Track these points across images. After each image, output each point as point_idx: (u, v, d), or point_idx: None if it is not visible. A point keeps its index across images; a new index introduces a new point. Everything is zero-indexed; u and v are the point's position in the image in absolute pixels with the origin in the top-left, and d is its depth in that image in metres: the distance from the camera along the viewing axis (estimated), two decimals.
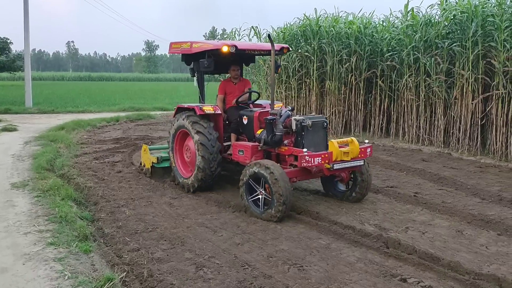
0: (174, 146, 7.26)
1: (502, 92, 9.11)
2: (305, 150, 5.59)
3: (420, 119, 11.23)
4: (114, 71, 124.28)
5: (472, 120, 9.87)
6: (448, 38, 10.26)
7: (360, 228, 5.23)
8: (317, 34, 12.74)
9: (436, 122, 10.83)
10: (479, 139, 9.76)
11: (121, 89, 42.17)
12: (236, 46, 6.38)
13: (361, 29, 12.28)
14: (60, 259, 4.31)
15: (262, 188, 5.59)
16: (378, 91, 12.47)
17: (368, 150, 6.01)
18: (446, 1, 10.73)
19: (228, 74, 7.65)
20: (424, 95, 11.02)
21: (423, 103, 11.10)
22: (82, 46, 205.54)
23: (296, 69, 13.46)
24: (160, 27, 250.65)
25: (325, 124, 6.10)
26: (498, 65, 9.01)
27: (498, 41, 8.98)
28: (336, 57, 12.51)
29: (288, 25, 14.25)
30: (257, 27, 14.56)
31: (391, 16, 12.54)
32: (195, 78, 7.86)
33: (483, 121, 9.83)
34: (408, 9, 11.55)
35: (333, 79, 12.76)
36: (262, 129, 6.26)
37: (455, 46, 9.88)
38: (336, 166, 5.67)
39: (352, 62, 12.39)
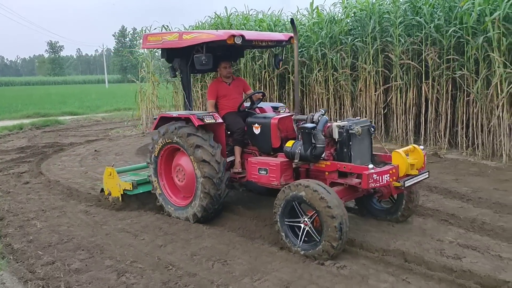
0: (158, 168, 5.80)
1: (400, 83, 9.95)
2: (371, 166, 4.40)
3: (330, 111, 11.88)
4: (14, 75, 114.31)
5: (376, 110, 10.66)
6: (351, 34, 10.94)
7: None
8: None
9: (345, 113, 11.52)
10: (382, 127, 10.57)
11: (24, 94, 39.06)
12: (243, 36, 5.09)
13: (271, 26, 12.64)
14: None
15: (310, 219, 4.33)
16: (291, 85, 12.96)
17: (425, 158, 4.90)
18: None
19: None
20: (333, 88, 11.65)
21: (332, 96, 11.74)
22: None
23: None
24: (64, 27, 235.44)
25: (372, 129, 4.94)
26: (395, 59, 9.82)
27: (394, 36, 9.78)
28: (249, 54, 12.76)
29: (200, 23, 14.23)
30: (167, 25, 14.35)
31: (298, 13, 13.07)
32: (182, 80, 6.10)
33: (385, 111, 10.66)
34: (314, 7, 12.11)
35: (247, 76, 13.00)
36: (295, 141, 4.96)
37: (357, 41, 10.57)
38: (407, 183, 4.49)
39: (264, 59, 12.72)
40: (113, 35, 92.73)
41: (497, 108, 8.08)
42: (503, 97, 7.88)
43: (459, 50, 9.05)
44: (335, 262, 4.16)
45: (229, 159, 5.58)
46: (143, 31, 15.40)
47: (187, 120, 5.40)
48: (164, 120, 5.70)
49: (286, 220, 4.45)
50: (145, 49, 15.37)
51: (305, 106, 12.85)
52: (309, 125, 4.69)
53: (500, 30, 7.77)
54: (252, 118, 5.62)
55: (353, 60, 10.92)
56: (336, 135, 4.73)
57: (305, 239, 4.37)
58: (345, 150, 4.72)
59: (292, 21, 5.06)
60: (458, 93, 9.16)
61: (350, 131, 4.65)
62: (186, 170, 5.48)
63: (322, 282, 3.82)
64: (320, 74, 11.78)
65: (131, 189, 6.04)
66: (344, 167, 4.61)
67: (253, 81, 13.08)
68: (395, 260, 4.21)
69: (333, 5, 11.63)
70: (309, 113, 5.43)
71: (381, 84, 10.43)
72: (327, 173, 4.78)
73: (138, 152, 10.77)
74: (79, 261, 4.46)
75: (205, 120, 5.27)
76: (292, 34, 5.57)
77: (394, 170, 4.44)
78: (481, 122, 8.58)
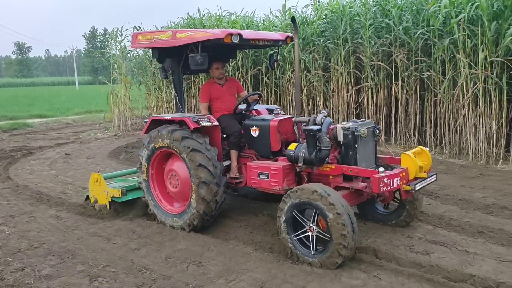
0: (149, 174, 5.51)
1: (371, 84, 10.16)
2: (381, 169, 4.24)
3: (304, 112, 12.00)
4: None
5: (348, 110, 10.84)
6: (323, 36, 11.10)
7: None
8: None
9: (318, 113, 11.68)
10: None
11: None
12: (241, 35, 4.88)
13: (244, 28, 12.68)
14: None
15: (313, 222, 4.16)
16: (265, 87, 13.03)
17: None
18: (318, 1, 11.62)
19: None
20: (306, 89, 11.79)
21: (305, 97, 11.86)
22: None
23: None
24: (32, 28, 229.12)
25: (377, 131, 4.80)
26: (366, 60, 10.02)
27: (364, 38, 9.97)
28: None
29: (173, 24, 14.14)
30: (140, 26, 14.19)
31: (271, 15, 13.17)
32: (173, 81, 5.82)
33: (357, 111, 10.85)
34: (286, 9, 12.23)
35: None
36: (297, 144, 4.74)
37: (329, 43, 10.73)
38: (418, 186, 4.34)
39: (238, 60, 12.74)
40: (83, 36, 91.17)
41: (463, 108, 8.36)
42: (469, 97, 8.16)
43: (426, 52, 9.30)
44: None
45: (224, 163, 5.36)
46: (114, 33, 15.18)
47: (181, 123, 5.14)
48: (155, 123, 5.42)
49: (294, 235, 4.23)
50: (117, 50, 15.18)
51: (279, 106, 12.94)
52: (314, 127, 4.51)
53: (465, 32, 8.04)
54: (249, 120, 5.42)
55: (326, 62, 11.07)
56: (341, 138, 4.56)
57: (317, 248, 4.16)
58: (350, 152, 4.55)
59: (293, 19, 4.88)
60: (426, 94, 9.43)
61: (356, 133, 4.50)
62: (180, 175, 5.21)
63: (296, 280, 3.87)
64: (293, 75, 11.90)
65: (120, 196, 5.72)
66: (351, 170, 4.44)
67: None
68: (367, 257, 4.30)
69: (305, 7, 11.80)
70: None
71: (353, 85, 10.62)
72: (331, 177, 4.62)
73: (110, 155, 10.61)
74: (49, 266, 4.37)
75: (201, 123, 5.02)
76: (289, 34, 5.51)
77: (404, 173, 4.31)
78: (448, 122, 8.85)
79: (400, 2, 9.65)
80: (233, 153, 5.39)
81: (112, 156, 10.44)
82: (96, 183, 5.93)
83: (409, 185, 4.29)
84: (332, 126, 4.66)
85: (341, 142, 4.59)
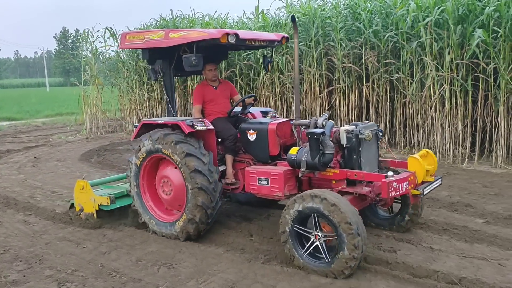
0: (140, 180, 5.24)
1: (342, 86, 10.33)
2: (390, 173, 4.12)
3: (278, 112, 12.09)
4: None
5: (321, 111, 10.98)
6: None
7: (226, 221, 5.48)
8: None
9: (291, 115, 11.78)
10: None
11: None
12: (237, 35, 4.71)
13: (217, 28, 12.68)
14: None
15: (317, 229, 3.99)
16: (238, 89, 13.05)
17: None
18: (291, 4, 11.74)
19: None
20: (279, 91, 11.89)
21: (279, 99, 11.95)
22: None
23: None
24: (0, 29, 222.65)
25: (380, 134, 4.65)
26: (338, 62, 10.18)
27: (336, 41, 10.14)
28: None
29: (145, 26, 14.02)
30: (111, 28, 14.02)
31: (245, 17, 13.22)
32: (164, 84, 5.50)
33: (330, 112, 11.01)
34: (259, 11, 12.30)
35: (194, 79, 12.96)
36: (299, 148, 4.57)
37: (301, 45, 10.85)
38: (426, 191, 4.24)
39: None
40: (54, 37, 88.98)
41: (431, 109, 8.60)
42: (436, 98, 8.41)
43: (395, 54, 9.53)
44: (280, 260, 4.28)
45: (219, 168, 5.13)
46: (86, 34, 14.94)
47: (174, 127, 4.94)
48: (146, 128, 5.16)
49: (296, 225, 4.04)
50: (88, 52, 14.95)
51: (274, 109, 13.00)
52: (318, 130, 4.34)
53: (432, 35, 8.28)
54: (246, 124, 5.21)
55: (298, 64, 11.17)
56: (344, 141, 4.38)
57: (311, 251, 4.04)
58: (354, 156, 4.38)
59: (293, 18, 4.74)
60: (395, 95, 9.65)
61: (360, 136, 4.34)
62: (173, 182, 4.96)
63: (266, 280, 3.92)
64: (266, 77, 11.98)
65: (109, 204, 5.39)
66: (355, 175, 4.29)
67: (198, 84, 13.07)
68: None
69: (278, 10, 11.89)
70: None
71: (325, 86, 10.76)
72: (334, 181, 4.45)
73: (82, 158, 10.43)
74: (16, 272, 4.28)
75: (196, 126, 4.81)
76: (284, 35, 5.41)
77: (412, 177, 4.16)
78: (416, 122, 9.09)
79: (370, 6, 9.85)
80: (229, 158, 5.19)
81: (84, 159, 10.26)
82: (82, 191, 5.56)
83: (417, 189, 4.16)
84: (334, 129, 4.54)
85: (344, 146, 4.41)
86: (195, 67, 4.65)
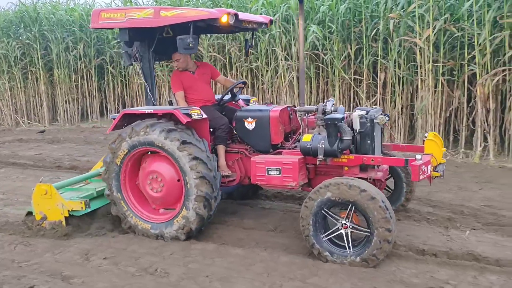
0: (121, 180, 4.64)
1: None
2: (418, 156, 3.96)
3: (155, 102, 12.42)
4: None
5: None
6: None
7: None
8: (37, 21, 12.30)
9: (163, 102, 12.21)
10: None
11: None
12: (237, 15, 4.34)
13: (83, 16, 12.49)
14: None
15: (348, 220, 3.87)
16: (110, 77, 13.05)
17: None
18: None
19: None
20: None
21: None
22: None
23: (19, 57, 12.70)
24: None
25: (387, 118, 4.35)
26: (204, 51, 10.87)
27: None
28: (62, 45, 12.41)
29: (3, 10, 13.15)
30: None
31: (113, 4, 13.15)
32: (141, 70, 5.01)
33: None
34: None
35: (62, 67, 12.64)
36: (313, 134, 4.27)
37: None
38: (443, 172, 4.22)
39: (79, 49, 12.52)
40: None
41: (283, 94, 9.78)
42: (286, 84, 9.59)
43: (254, 45, 10.52)
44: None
45: None
46: None
47: (161, 117, 4.50)
48: (130, 117, 4.62)
49: (323, 236, 3.93)
50: None
51: (125, 96, 13.13)
52: (337, 115, 4.13)
53: (280, 29, 9.39)
54: (242, 112, 4.86)
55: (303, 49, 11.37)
56: (357, 126, 4.19)
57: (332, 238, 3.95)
58: (368, 141, 4.23)
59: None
60: (256, 82, 10.68)
61: (374, 120, 4.21)
62: (165, 176, 4.50)
63: (119, 245, 4.43)
64: (138, 65, 12.16)
65: (83, 208, 4.71)
66: (372, 160, 4.12)
67: (69, 72, 12.80)
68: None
69: None
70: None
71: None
72: (346, 168, 4.28)
73: None
74: None
75: (193, 116, 4.41)
76: (271, 18, 5.21)
77: (433, 159, 4.13)
78: None
79: (230, 1, 10.66)
80: (221, 149, 4.79)
81: None
82: (45, 196, 4.76)
83: (437, 171, 4.16)
84: (346, 114, 4.35)
85: (357, 131, 4.23)
86: (191, 50, 4.30)
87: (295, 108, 5.01)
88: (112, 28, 5.29)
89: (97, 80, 13.14)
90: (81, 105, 13.31)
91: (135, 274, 3.86)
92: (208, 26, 4.46)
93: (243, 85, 5.33)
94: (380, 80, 8.50)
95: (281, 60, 9.55)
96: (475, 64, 7.29)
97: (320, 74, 9.48)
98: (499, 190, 5.51)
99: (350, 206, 3.79)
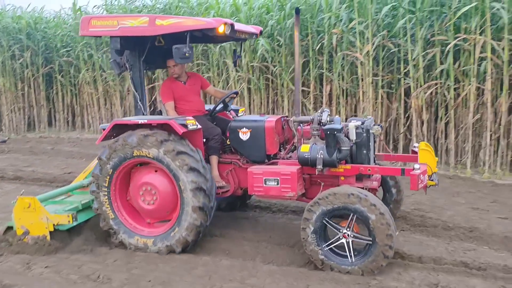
0: (111, 194, 4.51)
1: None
2: (416, 165, 4.00)
3: (101, 111, 12.30)
4: None
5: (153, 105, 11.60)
6: None
7: None
8: None
9: (115, 113, 12.12)
10: None
11: None
12: (233, 26, 4.32)
13: (31, 24, 12.23)
14: None
15: (349, 229, 3.89)
16: (59, 86, 12.80)
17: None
18: (111, 2, 12.03)
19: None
20: (102, 88, 12.10)
21: (102, 96, 12.18)
22: None
23: None
24: None
25: (380, 129, 4.45)
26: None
27: None
28: (8, 52, 12.09)
29: None
30: None
31: (63, 12, 13.00)
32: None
33: (152, 109, 11.70)
34: (77, 8, 12.25)
35: (7, 75, 12.29)
36: (311, 145, 4.27)
37: None
38: (437, 181, 4.34)
39: (26, 58, 12.22)
40: None
41: (235, 104, 10.00)
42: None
43: (206, 56, 10.71)
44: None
45: None
46: None
47: (153, 127, 4.39)
48: (121, 128, 4.47)
49: (325, 245, 3.97)
50: None
51: (75, 106, 12.91)
52: (337, 126, 4.15)
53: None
54: (236, 122, 4.83)
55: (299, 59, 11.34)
56: (353, 136, 4.21)
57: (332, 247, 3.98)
58: (364, 151, 4.30)
59: (297, 10, 4.47)
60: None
61: (370, 130, 4.30)
62: (158, 188, 4.40)
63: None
64: (88, 74, 12.05)
65: (71, 222, 4.49)
66: (369, 169, 4.20)
67: (16, 80, 12.46)
68: None
69: (96, 7, 12.07)
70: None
71: (146, 84, 11.39)
72: (342, 178, 4.31)
73: None
74: None
75: (189, 126, 4.32)
76: (261, 28, 5.22)
77: (428, 169, 4.21)
78: None
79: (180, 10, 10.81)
80: (214, 159, 4.77)
81: None
82: (28, 210, 4.51)
83: (432, 180, 4.26)
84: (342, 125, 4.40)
85: (353, 141, 4.26)
86: (187, 59, 4.29)
87: (288, 119, 5.02)
88: (104, 35, 5.35)
89: (45, 89, 12.86)
90: (28, 115, 12.95)
91: (77, 282, 3.89)
92: (202, 36, 4.42)
93: (235, 95, 5.36)
94: (326, 92, 8.91)
95: (232, 71, 9.79)
96: (410, 78, 7.83)
97: (270, 86, 9.79)
98: (428, 195, 5.94)
99: (351, 215, 3.84)
